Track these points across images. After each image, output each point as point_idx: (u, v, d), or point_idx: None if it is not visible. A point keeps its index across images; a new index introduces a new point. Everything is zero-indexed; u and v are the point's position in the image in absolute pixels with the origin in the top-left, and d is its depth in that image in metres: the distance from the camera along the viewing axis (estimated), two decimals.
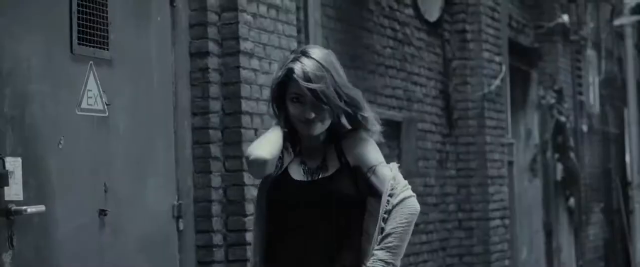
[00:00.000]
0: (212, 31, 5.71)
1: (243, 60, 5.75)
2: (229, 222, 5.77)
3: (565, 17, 12.42)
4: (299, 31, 6.54)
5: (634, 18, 14.71)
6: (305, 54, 3.29)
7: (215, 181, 5.72)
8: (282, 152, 3.34)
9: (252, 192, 5.73)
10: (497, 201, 9.77)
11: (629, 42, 14.84)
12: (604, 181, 14.77)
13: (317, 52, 3.30)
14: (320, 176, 3.33)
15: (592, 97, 14.06)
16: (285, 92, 3.32)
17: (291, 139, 3.40)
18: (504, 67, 9.99)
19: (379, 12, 8.19)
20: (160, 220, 5.43)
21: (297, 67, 3.25)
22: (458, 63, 9.57)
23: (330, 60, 3.30)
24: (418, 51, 8.92)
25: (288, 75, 3.28)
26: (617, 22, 14.95)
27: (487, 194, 9.59)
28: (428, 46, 9.13)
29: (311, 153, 3.38)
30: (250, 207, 5.73)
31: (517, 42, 11.22)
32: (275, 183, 3.35)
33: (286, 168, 3.37)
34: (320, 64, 3.25)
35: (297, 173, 3.37)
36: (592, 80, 14.05)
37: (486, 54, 9.65)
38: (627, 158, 15.59)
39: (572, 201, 12.58)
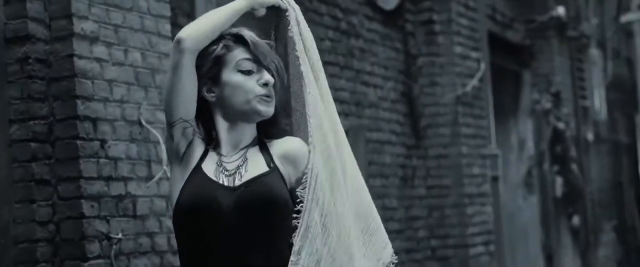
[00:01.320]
0: (34, 7, 4.20)
1: (79, 47, 4.22)
2: None
3: (561, 10, 11.01)
4: (175, 9, 4.96)
5: None
6: (242, 30, 2.88)
7: (43, 213, 4.20)
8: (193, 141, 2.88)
9: (95, 227, 4.18)
10: (478, 224, 8.21)
11: (638, 41, 14.37)
12: (615, 196, 13.95)
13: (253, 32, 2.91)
14: (243, 179, 2.81)
15: (598, 102, 13.07)
16: (222, 68, 2.82)
17: (207, 133, 2.91)
18: (482, 65, 8.50)
19: None
20: None
21: (246, 33, 2.86)
22: (424, 60, 8.10)
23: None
24: (370, 45, 7.36)
25: (235, 40, 2.84)
26: (624, 19, 14.20)
27: (465, 216, 8.04)
28: (384, 39, 7.58)
29: (230, 150, 2.87)
30: (92, 248, 4.18)
31: (504, 39, 10.09)
32: (193, 184, 2.80)
33: (200, 165, 2.84)
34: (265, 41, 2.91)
35: (212, 173, 2.84)
36: (598, 83, 12.85)
37: (459, 49, 8.17)
38: None
39: (576, 219, 11.30)
